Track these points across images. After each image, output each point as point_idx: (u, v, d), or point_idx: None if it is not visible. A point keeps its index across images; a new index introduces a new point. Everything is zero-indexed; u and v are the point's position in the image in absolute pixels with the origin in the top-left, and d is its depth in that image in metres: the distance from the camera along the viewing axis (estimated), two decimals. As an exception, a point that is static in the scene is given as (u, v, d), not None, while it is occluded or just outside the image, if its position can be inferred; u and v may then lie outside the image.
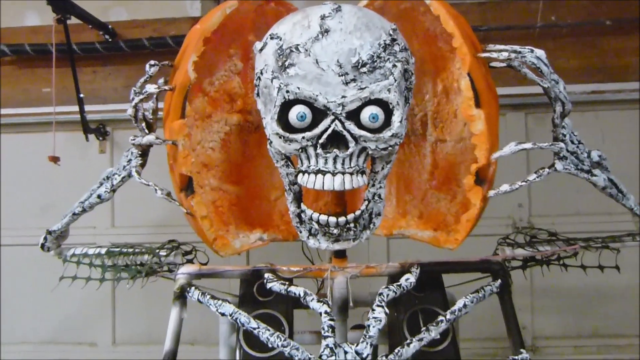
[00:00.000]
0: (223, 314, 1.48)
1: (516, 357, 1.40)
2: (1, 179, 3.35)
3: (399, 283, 1.48)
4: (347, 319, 1.61)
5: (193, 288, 1.57)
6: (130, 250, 1.83)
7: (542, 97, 1.50)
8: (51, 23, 2.77)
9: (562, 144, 1.48)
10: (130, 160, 1.66)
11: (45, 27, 3.13)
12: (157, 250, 1.78)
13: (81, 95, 2.92)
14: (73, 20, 2.83)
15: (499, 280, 1.57)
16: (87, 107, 2.98)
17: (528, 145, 1.46)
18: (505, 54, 1.49)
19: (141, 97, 1.59)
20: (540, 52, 1.49)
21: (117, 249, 1.84)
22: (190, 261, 1.78)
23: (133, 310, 3.25)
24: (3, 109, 3.27)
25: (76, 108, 2.93)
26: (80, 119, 2.96)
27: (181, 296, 1.58)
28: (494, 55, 1.52)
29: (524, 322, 3.12)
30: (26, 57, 3.22)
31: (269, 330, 1.41)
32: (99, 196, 1.72)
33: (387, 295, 1.43)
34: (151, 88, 1.59)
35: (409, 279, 1.49)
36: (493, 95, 1.61)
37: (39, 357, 3.28)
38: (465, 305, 1.47)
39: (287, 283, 1.51)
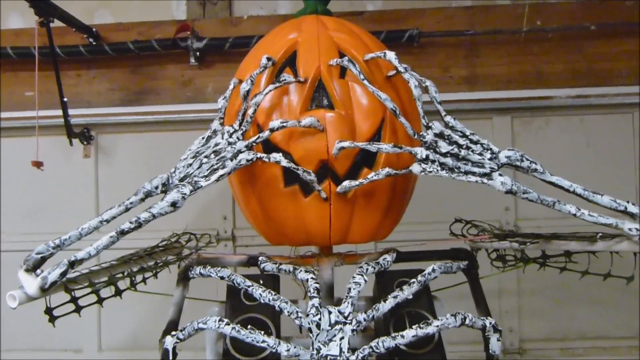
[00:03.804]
0: (222, 277, 1.60)
1: (483, 317, 1.43)
2: (-16, 184, 3.30)
3: (377, 260, 1.64)
4: (333, 305, 1.60)
5: (194, 266, 1.70)
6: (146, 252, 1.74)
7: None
8: (34, 26, 2.73)
9: (416, 149, 1.44)
10: (236, 154, 1.49)
11: (28, 30, 3.11)
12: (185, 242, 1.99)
13: (65, 99, 2.88)
14: (56, 23, 2.78)
15: (466, 261, 1.75)
16: (71, 111, 2.94)
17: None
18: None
19: (278, 85, 1.58)
20: (390, 55, 1.56)
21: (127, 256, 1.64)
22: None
23: (119, 316, 3.22)
24: (-15, 113, 3.22)
25: (60, 112, 2.89)
26: (64, 123, 2.92)
27: (184, 277, 1.73)
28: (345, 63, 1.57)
29: (512, 324, 3.15)
30: (9, 61, 3.17)
31: (261, 287, 1.49)
32: (173, 204, 1.33)
33: (367, 269, 1.56)
34: (290, 78, 1.59)
35: (385, 258, 1.66)
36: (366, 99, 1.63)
37: (24, 364, 3.23)
38: (434, 270, 1.59)
39: (278, 262, 1.65)
